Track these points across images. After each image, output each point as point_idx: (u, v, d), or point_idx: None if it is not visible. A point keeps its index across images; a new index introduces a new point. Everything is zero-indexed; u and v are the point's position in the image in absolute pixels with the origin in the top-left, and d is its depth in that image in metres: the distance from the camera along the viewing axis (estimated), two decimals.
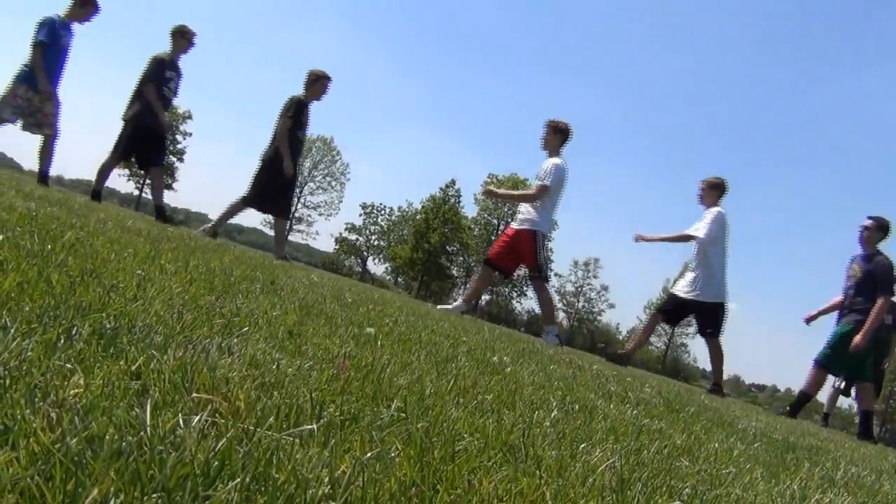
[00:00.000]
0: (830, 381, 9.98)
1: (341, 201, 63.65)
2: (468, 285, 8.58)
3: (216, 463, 0.76)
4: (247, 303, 2.17)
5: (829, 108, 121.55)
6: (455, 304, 7.91)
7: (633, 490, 1.21)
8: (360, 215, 67.06)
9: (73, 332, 1.17)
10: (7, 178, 6.51)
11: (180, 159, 64.06)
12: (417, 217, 64.00)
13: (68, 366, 1.00)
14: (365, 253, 67.62)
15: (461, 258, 65.10)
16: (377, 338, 2.25)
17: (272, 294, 2.69)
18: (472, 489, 0.98)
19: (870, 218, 7.79)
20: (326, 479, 0.80)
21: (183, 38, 8.58)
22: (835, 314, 7.93)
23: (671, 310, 8.12)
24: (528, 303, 67.87)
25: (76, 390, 0.91)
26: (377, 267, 68.53)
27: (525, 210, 7.77)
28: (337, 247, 66.94)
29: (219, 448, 0.79)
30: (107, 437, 0.74)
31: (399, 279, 67.06)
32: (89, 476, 0.67)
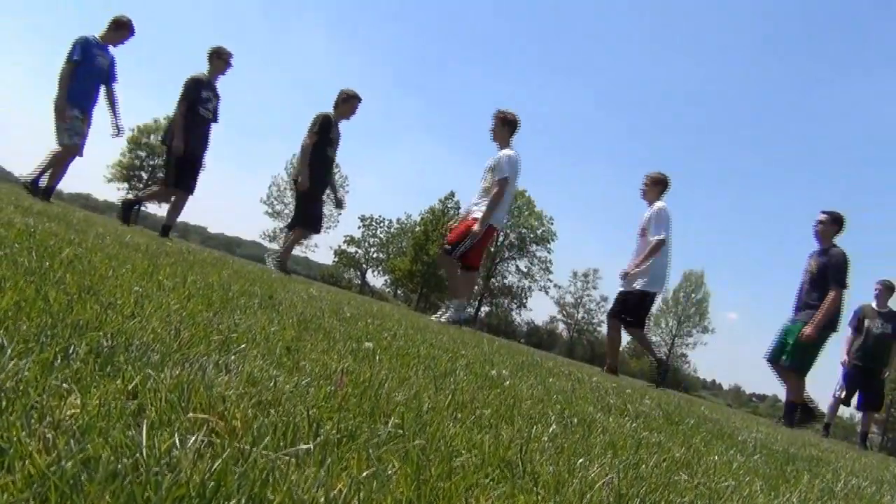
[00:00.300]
0: (830, 392, 9.98)
1: (339, 214, 63.70)
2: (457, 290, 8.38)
3: (212, 484, 0.76)
4: (245, 318, 2.17)
5: (836, 113, 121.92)
6: (449, 311, 7.92)
7: None
8: (359, 228, 67.08)
9: (71, 351, 1.17)
10: (6, 192, 6.52)
11: None
12: (416, 229, 64.00)
13: (65, 386, 1.00)
14: (364, 265, 67.60)
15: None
16: (375, 352, 2.25)
17: (270, 309, 2.69)
18: None
19: (823, 212, 7.84)
20: (322, 500, 0.80)
21: (219, 58, 8.57)
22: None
23: (622, 310, 8.07)
24: (527, 314, 67.84)
25: (73, 411, 0.91)
26: (376, 279, 68.47)
27: (481, 203, 7.79)
28: (336, 259, 66.93)
29: (214, 469, 0.79)
30: (102, 459, 0.74)
31: (398, 291, 67.02)
32: (85, 499, 0.68)
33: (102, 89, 8.41)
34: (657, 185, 7.97)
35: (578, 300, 74.12)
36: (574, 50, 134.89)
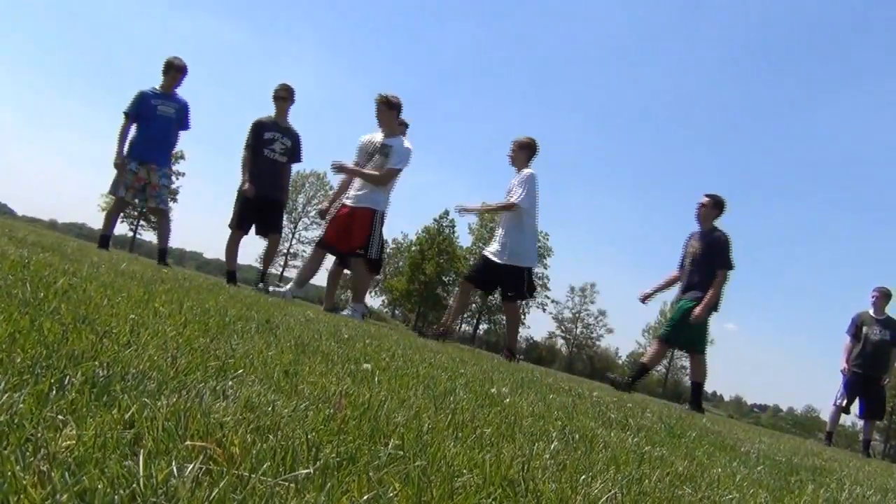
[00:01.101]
0: (831, 400, 9.95)
1: None
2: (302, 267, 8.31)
3: None
4: (242, 343, 2.16)
5: (835, 122, 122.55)
6: (287, 287, 7.87)
7: None
8: None
9: (66, 382, 1.16)
10: None
11: (174, 199, 64.34)
12: (412, 248, 64.06)
13: (60, 417, 0.99)
14: None
15: (457, 288, 65.04)
16: (374, 374, 2.24)
17: (268, 333, 2.68)
18: None
19: (706, 196, 7.93)
20: None
21: (277, 98, 8.43)
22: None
23: (479, 275, 7.98)
24: (525, 332, 67.77)
25: (68, 442, 0.90)
26: (374, 300, 68.32)
27: (364, 188, 7.56)
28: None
29: (213, 497, 0.78)
30: (99, 491, 0.73)
31: (396, 311, 66.89)
32: None
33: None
34: (524, 150, 7.82)
35: (577, 315, 74.22)
36: (565, 67, 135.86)
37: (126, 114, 8.05)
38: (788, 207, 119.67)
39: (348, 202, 7.62)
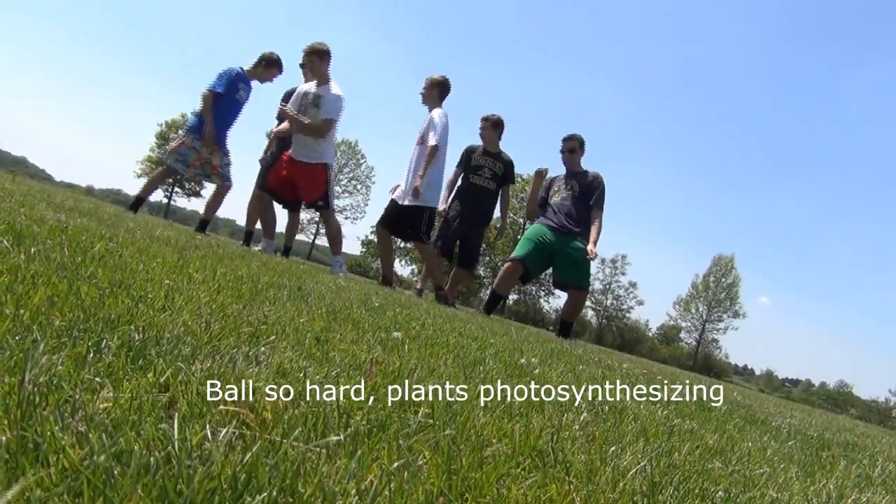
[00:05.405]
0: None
1: (367, 204, 64.03)
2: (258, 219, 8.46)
3: (243, 476, 0.76)
4: (274, 310, 2.18)
5: (865, 100, 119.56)
6: (263, 244, 7.91)
7: (664, 494, 1.19)
8: None
9: (103, 345, 1.18)
10: (39, 189, 6.62)
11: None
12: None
13: (97, 380, 1.01)
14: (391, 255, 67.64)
15: (487, 258, 65.06)
16: (404, 342, 2.25)
17: (299, 300, 2.70)
18: (501, 497, 0.97)
19: (566, 138, 7.97)
20: (353, 491, 0.80)
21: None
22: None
23: (393, 219, 7.78)
24: (556, 302, 67.67)
25: (105, 404, 0.92)
26: (404, 269, 68.56)
27: (310, 141, 7.42)
28: (363, 249, 67.15)
29: (246, 461, 0.79)
30: (135, 453, 0.75)
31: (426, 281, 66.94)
32: (117, 493, 0.68)
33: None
34: (434, 88, 7.73)
35: (607, 286, 73.80)
36: (591, 39, 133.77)
37: (219, 93, 7.88)
38: (827, 178, 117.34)
39: (294, 155, 7.54)
